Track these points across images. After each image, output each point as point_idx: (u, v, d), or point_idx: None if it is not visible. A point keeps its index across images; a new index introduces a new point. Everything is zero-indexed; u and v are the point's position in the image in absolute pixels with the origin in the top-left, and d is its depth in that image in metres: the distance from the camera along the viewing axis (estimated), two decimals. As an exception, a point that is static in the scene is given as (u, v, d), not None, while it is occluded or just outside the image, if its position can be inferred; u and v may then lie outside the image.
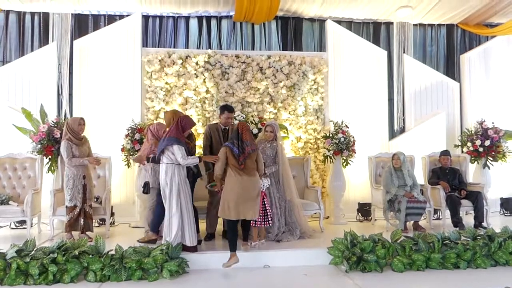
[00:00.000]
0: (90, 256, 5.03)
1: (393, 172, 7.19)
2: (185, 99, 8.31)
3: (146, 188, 6.09)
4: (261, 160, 5.93)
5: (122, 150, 7.57)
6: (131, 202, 8.11)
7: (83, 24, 8.90)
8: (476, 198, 7.29)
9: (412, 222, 7.06)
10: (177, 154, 5.47)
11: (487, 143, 8.29)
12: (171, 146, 5.49)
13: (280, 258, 5.60)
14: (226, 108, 6.54)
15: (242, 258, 5.41)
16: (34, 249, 5.12)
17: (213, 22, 9.21)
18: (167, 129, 5.76)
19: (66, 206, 6.35)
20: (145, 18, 8.96)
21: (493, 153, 8.39)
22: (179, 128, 5.63)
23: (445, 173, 7.71)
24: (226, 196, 5.58)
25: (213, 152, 6.41)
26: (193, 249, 5.56)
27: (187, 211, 5.58)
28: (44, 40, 8.67)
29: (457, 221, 7.12)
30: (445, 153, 7.85)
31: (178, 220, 5.50)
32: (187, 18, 9.16)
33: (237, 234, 5.65)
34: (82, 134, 6.53)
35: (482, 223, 7.20)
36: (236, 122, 7.65)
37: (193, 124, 5.95)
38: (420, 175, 8.00)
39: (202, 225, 6.44)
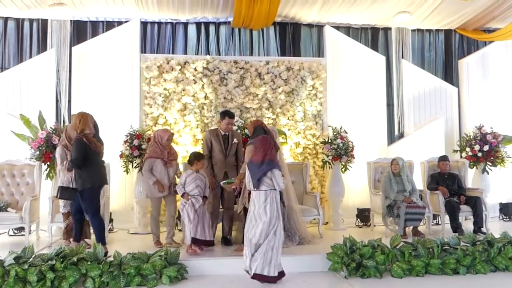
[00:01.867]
0: (89, 262, 5.01)
1: (392, 178, 7.18)
2: (183, 105, 8.32)
3: (58, 193, 5.87)
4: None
5: (121, 156, 7.57)
6: (129, 208, 8.09)
7: (81, 31, 8.91)
8: (475, 203, 7.27)
9: (411, 227, 7.05)
10: (278, 179, 4.94)
11: (486, 148, 8.29)
12: (270, 171, 4.94)
13: (279, 264, 5.58)
14: (227, 114, 6.52)
15: (241, 264, 5.39)
16: (33, 256, 5.10)
17: (212, 28, 9.22)
18: (257, 150, 5.06)
19: (62, 213, 6.35)
20: (144, 24, 8.97)
21: (492, 158, 8.39)
22: (272, 147, 5.10)
23: (444, 179, 7.69)
24: None
25: (213, 157, 6.41)
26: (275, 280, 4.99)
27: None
28: (42, 46, 8.66)
29: (456, 226, 7.11)
30: (444, 158, 7.84)
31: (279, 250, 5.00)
32: (185, 24, 9.18)
33: None
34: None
35: (482, 228, 7.18)
36: (235, 128, 7.70)
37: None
38: (419, 180, 7.99)
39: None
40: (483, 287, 5.12)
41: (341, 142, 7.85)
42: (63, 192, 5.84)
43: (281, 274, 5.04)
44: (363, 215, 8.21)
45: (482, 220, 7.26)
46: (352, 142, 8.00)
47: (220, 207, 6.55)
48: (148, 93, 8.27)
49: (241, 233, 6.17)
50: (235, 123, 7.76)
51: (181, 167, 7.72)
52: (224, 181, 6.15)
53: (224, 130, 6.47)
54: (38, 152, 7.21)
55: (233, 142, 6.47)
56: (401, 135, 9.18)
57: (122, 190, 8.08)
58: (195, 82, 8.34)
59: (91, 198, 5.69)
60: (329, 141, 7.96)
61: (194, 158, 6.01)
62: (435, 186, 7.59)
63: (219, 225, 6.66)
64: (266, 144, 5.07)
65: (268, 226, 4.91)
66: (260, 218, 4.94)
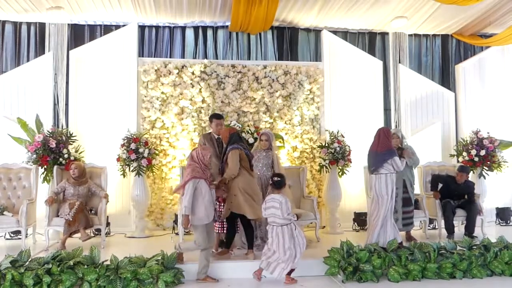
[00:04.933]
0: (85, 266, 5.00)
1: None
2: (181, 109, 8.32)
3: None
4: None
5: (118, 160, 7.57)
6: (126, 212, 8.08)
7: (79, 34, 8.89)
8: (469, 208, 7.25)
9: (404, 232, 6.99)
10: (398, 164, 6.06)
11: (483, 152, 8.30)
12: (392, 159, 6.01)
13: (276, 268, 5.57)
14: (214, 116, 6.62)
15: (238, 268, 5.40)
16: (29, 260, 5.10)
17: (209, 32, 9.23)
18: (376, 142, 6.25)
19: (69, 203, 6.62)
20: (141, 28, 8.97)
21: (488, 162, 8.40)
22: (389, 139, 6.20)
23: (459, 187, 7.49)
24: (252, 195, 5.75)
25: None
26: None
27: None
28: (40, 50, 8.65)
29: (448, 228, 7.09)
30: (462, 169, 7.56)
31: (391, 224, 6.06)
32: (183, 28, 9.18)
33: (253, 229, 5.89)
34: (77, 175, 6.89)
35: (472, 233, 7.09)
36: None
37: None
38: (416, 186, 7.96)
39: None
40: (479, 291, 5.13)
41: (338, 146, 7.87)
42: None
43: None
44: (360, 219, 8.22)
45: (474, 225, 7.19)
46: (349, 146, 8.02)
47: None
48: (145, 96, 8.28)
49: (239, 236, 6.20)
50: (232, 126, 7.79)
51: (178, 171, 7.73)
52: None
53: (215, 132, 6.49)
54: (35, 156, 7.23)
55: None
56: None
57: (119, 193, 8.07)
58: (193, 86, 8.35)
59: None
60: (326, 145, 7.97)
61: (284, 182, 5.49)
62: (435, 186, 7.51)
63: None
64: (386, 138, 6.16)
65: (385, 204, 5.97)
66: (382, 197, 5.98)
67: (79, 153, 7.63)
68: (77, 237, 6.55)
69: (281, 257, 5.14)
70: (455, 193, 7.47)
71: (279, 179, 5.40)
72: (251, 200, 5.72)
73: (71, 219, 6.37)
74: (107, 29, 8.90)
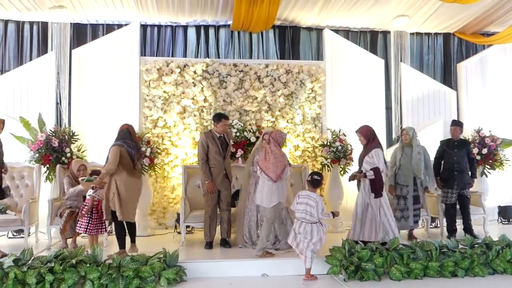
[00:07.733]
0: (88, 265, 5.01)
1: (399, 149, 6.91)
2: (183, 108, 8.33)
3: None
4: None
5: (120, 158, 7.57)
6: (129, 210, 8.08)
7: (81, 34, 8.93)
8: (462, 207, 7.12)
9: (406, 231, 6.98)
10: None
11: (485, 151, 8.29)
12: None
13: (278, 267, 5.59)
14: (223, 116, 6.60)
15: (240, 266, 5.41)
16: (32, 258, 5.10)
17: (211, 31, 9.25)
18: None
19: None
20: (143, 27, 8.99)
21: (490, 161, 8.40)
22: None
23: (453, 146, 7.14)
24: (128, 197, 5.78)
25: (210, 160, 6.43)
26: None
27: None
28: (42, 49, 8.68)
29: (451, 230, 7.06)
30: (454, 123, 7.41)
31: None
32: (185, 27, 9.20)
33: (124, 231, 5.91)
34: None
35: (469, 228, 6.98)
36: (234, 130, 7.72)
37: None
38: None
39: (200, 234, 6.45)
40: (481, 289, 5.12)
41: (340, 145, 7.88)
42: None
43: None
44: (362, 218, 8.21)
45: (467, 223, 7.05)
46: (351, 145, 8.02)
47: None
48: (147, 95, 8.29)
49: (241, 235, 6.21)
50: (234, 125, 7.82)
51: (180, 170, 7.74)
52: (83, 178, 6.18)
53: (221, 132, 6.51)
54: (37, 155, 7.25)
55: (230, 143, 6.56)
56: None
57: (121, 192, 8.07)
58: (195, 85, 8.36)
59: None
60: (328, 144, 7.98)
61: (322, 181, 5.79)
62: (438, 160, 7.28)
63: (218, 227, 6.66)
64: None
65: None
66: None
67: (82, 152, 7.65)
68: (79, 236, 6.58)
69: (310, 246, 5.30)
70: (452, 154, 7.06)
71: (319, 178, 5.49)
72: (126, 201, 5.77)
73: (61, 228, 6.39)
74: (109, 28, 8.93)
